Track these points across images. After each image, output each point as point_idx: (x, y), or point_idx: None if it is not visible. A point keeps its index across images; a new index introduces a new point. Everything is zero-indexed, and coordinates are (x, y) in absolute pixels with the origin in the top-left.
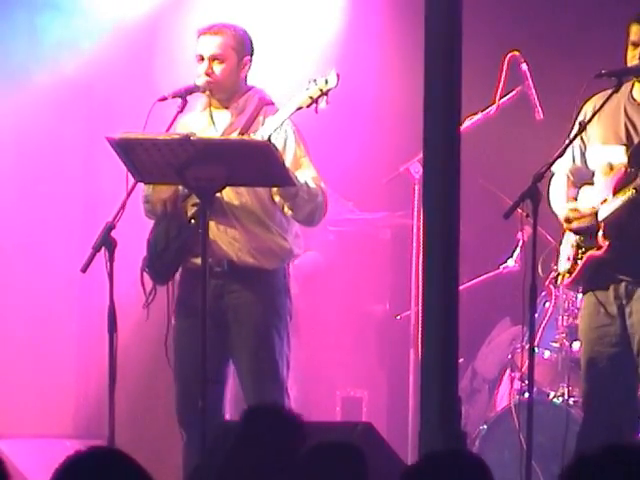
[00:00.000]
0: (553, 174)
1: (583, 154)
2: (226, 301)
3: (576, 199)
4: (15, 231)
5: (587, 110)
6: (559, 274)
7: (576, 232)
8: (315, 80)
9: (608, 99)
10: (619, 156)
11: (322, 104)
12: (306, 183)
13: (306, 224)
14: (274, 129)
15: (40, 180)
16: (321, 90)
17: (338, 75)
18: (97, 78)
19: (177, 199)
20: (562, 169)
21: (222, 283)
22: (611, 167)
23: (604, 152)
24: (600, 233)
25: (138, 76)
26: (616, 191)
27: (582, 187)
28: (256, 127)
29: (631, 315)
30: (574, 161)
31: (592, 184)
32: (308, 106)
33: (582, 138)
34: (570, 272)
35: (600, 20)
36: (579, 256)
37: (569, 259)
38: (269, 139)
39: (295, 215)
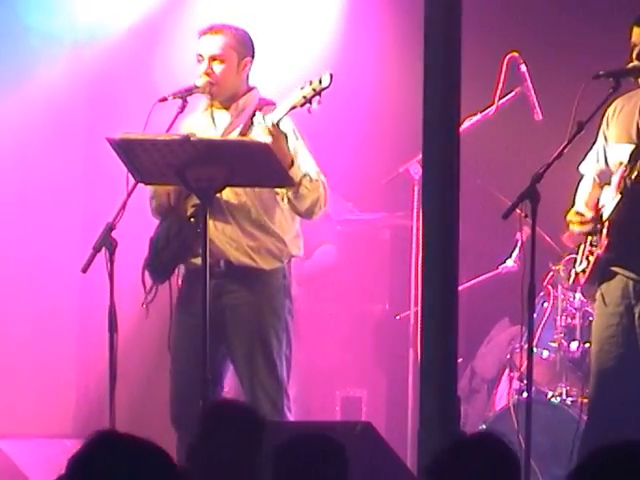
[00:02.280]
0: (582, 176)
1: (605, 155)
2: (224, 301)
3: (598, 201)
4: (15, 231)
5: (609, 111)
6: (577, 273)
7: (579, 234)
8: (310, 81)
9: (607, 99)
10: (628, 154)
11: (314, 105)
12: (308, 173)
13: (307, 216)
14: (271, 127)
15: (41, 181)
16: (314, 90)
17: (331, 76)
18: (97, 79)
19: (181, 192)
20: (589, 171)
21: (220, 283)
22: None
23: (617, 151)
24: (604, 231)
25: (138, 77)
26: (619, 189)
27: (604, 186)
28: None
29: None
30: (598, 162)
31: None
32: (302, 105)
33: (605, 139)
34: (584, 271)
35: (599, 21)
36: (592, 255)
37: (586, 258)
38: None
39: (298, 206)
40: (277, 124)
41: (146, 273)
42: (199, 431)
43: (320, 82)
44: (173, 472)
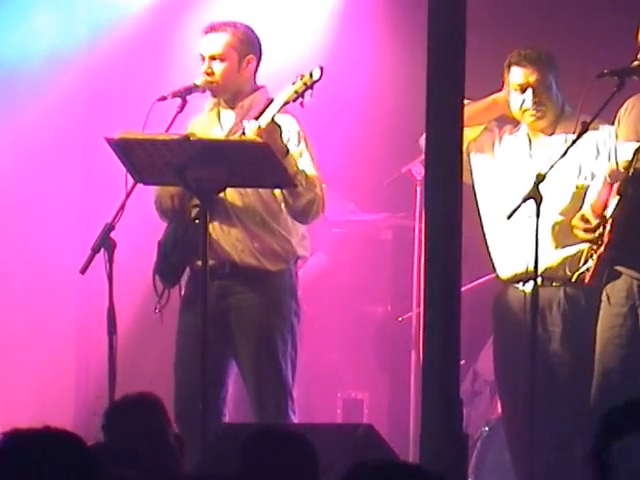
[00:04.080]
0: (594, 176)
1: (616, 153)
2: (229, 302)
3: (607, 200)
4: (14, 232)
5: (621, 110)
6: (583, 271)
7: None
8: (301, 75)
9: (611, 98)
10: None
11: (307, 98)
12: (304, 171)
13: (302, 219)
14: (265, 125)
15: (39, 181)
16: (306, 84)
17: (322, 69)
18: (96, 78)
19: (184, 194)
20: (601, 171)
21: (226, 284)
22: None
23: (625, 149)
24: (607, 228)
25: (138, 76)
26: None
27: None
28: None
29: None
30: (610, 161)
31: None
32: (294, 100)
33: (617, 137)
34: (589, 270)
35: (602, 20)
36: (596, 253)
37: (590, 256)
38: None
39: (293, 206)
40: (272, 119)
41: (157, 277)
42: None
43: (311, 76)
44: (86, 459)
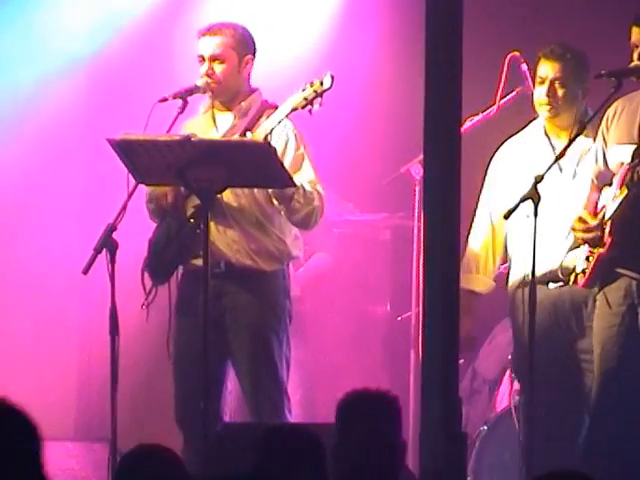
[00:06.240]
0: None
1: (604, 156)
2: (224, 302)
3: (597, 203)
4: (16, 233)
5: (609, 113)
6: (576, 274)
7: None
8: (311, 82)
9: (609, 99)
10: (630, 154)
11: (316, 106)
12: (302, 187)
13: (301, 227)
14: (270, 130)
15: (41, 182)
16: (315, 92)
17: (332, 77)
18: (98, 79)
19: (177, 193)
20: (587, 174)
21: (220, 284)
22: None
23: (619, 151)
24: (607, 230)
25: (139, 77)
26: (621, 188)
27: (604, 187)
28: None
29: None
30: (597, 163)
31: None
32: (303, 107)
33: (604, 140)
34: (584, 272)
35: (601, 20)
36: (592, 255)
37: (586, 259)
38: (266, 140)
39: (290, 218)
40: (270, 132)
41: (146, 275)
42: None
43: (321, 84)
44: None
